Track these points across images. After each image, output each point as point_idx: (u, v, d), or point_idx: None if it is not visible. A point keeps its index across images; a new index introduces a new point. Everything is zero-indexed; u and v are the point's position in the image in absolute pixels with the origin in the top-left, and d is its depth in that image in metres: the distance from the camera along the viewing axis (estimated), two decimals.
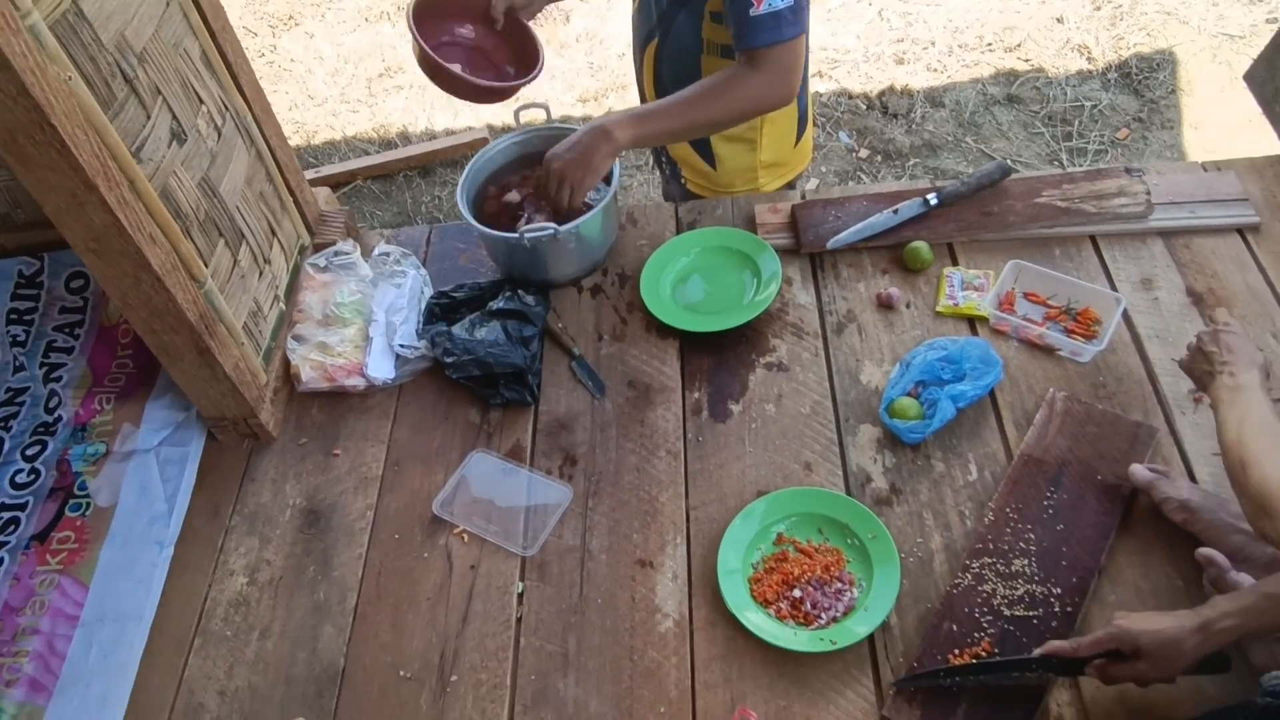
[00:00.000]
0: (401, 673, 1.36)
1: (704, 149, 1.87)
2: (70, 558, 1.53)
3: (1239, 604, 1.08)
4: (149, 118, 1.37)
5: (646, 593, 1.40)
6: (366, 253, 1.84)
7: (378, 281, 1.77)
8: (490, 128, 3.58)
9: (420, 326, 1.71)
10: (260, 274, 1.66)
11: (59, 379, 1.75)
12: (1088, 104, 3.38)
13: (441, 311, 1.72)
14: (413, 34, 1.63)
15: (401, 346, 1.68)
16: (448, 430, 1.62)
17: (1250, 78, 1.89)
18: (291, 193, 1.80)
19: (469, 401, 1.65)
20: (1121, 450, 1.45)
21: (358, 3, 4.21)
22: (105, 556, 1.52)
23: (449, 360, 1.62)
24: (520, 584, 1.43)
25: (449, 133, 3.62)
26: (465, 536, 1.49)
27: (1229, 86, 3.31)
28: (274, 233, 1.72)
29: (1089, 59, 3.51)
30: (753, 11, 1.50)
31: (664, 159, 1.99)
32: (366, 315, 1.72)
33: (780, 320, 1.69)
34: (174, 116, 1.43)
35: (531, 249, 1.65)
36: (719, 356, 1.66)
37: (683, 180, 1.94)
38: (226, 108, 1.60)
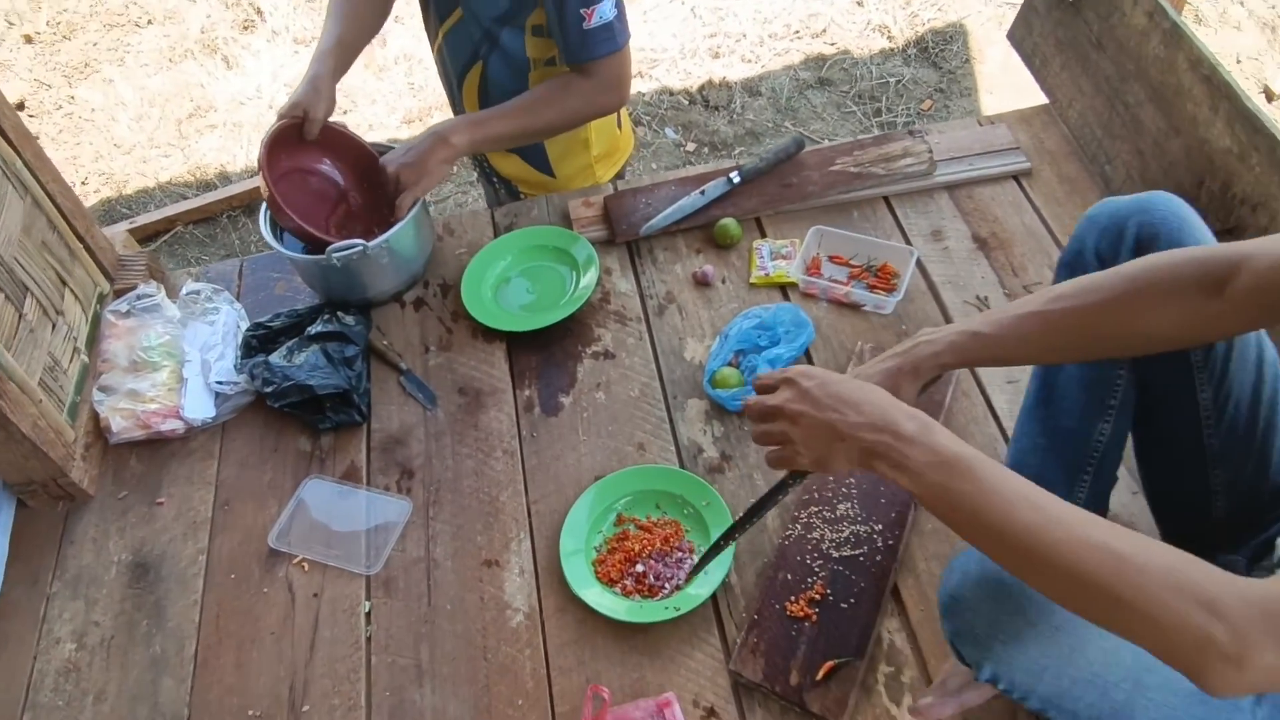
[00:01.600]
0: (251, 712, 1.32)
1: (539, 162, 1.87)
2: None
3: (941, 339, 1.05)
4: None
5: (495, 591, 1.40)
6: (174, 294, 1.77)
7: (187, 321, 1.71)
8: None
9: (238, 361, 1.67)
10: (53, 327, 1.58)
11: None
12: (892, 80, 3.55)
13: (259, 343, 1.68)
14: (262, 169, 1.58)
15: (219, 383, 1.63)
16: (278, 462, 1.59)
17: (1012, 36, 2.03)
18: (81, 239, 1.72)
19: (298, 430, 1.62)
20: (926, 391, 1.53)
21: (157, 44, 4.05)
22: None
23: (269, 390, 1.58)
24: (367, 603, 1.41)
25: None
26: (305, 565, 1.46)
27: (1013, 51, 3.54)
28: (64, 282, 1.64)
29: (889, 38, 3.70)
30: (585, 26, 1.54)
31: (495, 179, 1.98)
32: (179, 357, 1.66)
33: (603, 310, 1.72)
34: None
35: (344, 269, 1.63)
36: (546, 353, 1.67)
37: (521, 196, 1.95)
38: None
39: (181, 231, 3.37)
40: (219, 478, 1.58)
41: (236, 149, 3.59)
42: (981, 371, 1.55)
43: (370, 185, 1.74)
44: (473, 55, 1.73)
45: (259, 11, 4.11)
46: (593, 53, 1.58)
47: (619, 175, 1.98)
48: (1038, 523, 0.77)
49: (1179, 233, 1.07)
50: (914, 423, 0.86)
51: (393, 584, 1.43)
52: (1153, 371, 1.13)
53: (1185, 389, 1.10)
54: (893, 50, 3.68)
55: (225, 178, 3.51)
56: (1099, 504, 1.25)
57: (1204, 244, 1.07)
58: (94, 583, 1.48)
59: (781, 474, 1.06)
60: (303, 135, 1.64)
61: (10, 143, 1.55)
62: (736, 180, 1.80)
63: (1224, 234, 1.48)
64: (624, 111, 1.94)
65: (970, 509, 0.80)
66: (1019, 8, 2.00)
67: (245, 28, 4.08)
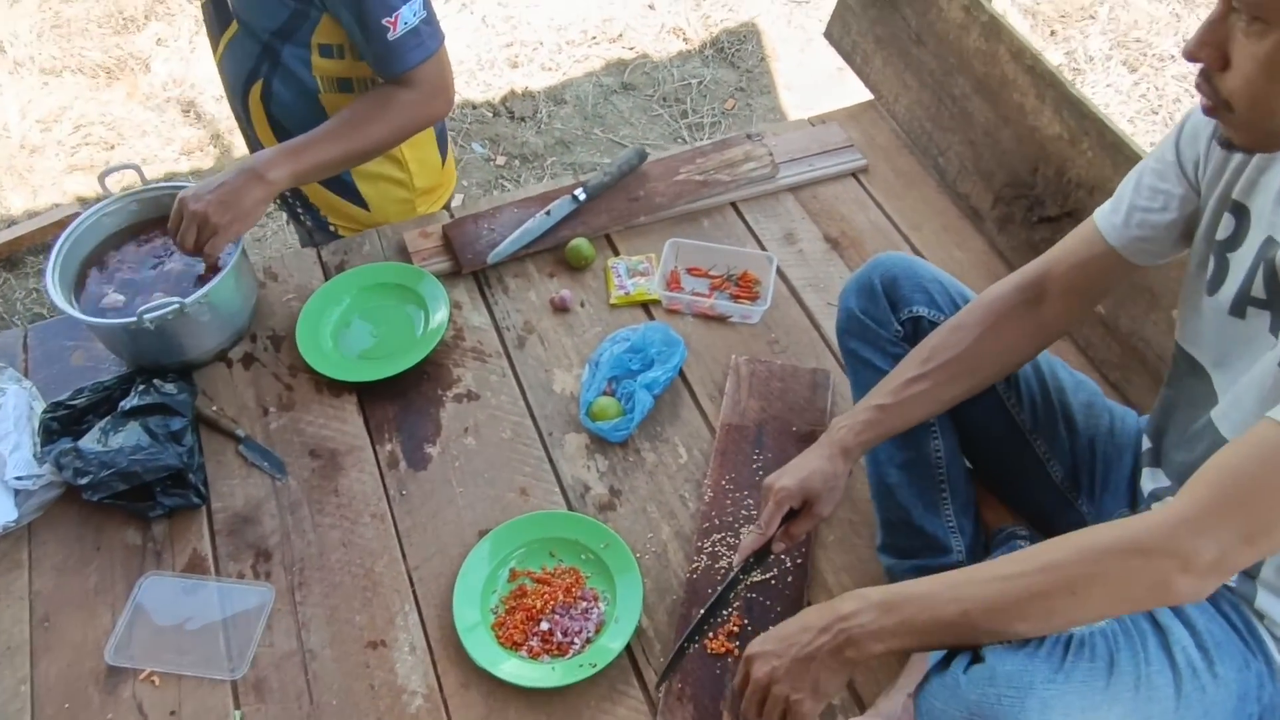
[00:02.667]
0: None
1: (350, 193, 1.72)
2: None
3: (859, 420, 1.18)
4: None
5: (386, 675, 1.27)
6: None
7: None
8: (81, 200, 3.14)
9: (38, 450, 1.43)
10: None
11: None
12: (694, 81, 3.58)
13: (61, 425, 1.44)
14: None
15: (18, 479, 1.39)
16: (104, 562, 1.37)
17: (829, 34, 2.06)
18: None
19: (123, 521, 1.41)
20: (806, 398, 1.52)
21: None
22: None
23: (84, 481, 1.36)
24: (237, 713, 1.24)
25: (31, 214, 3.12)
26: (156, 679, 1.26)
27: (806, 47, 3.65)
28: None
29: (685, 40, 3.73)
30: (390, 36, 1.42)
31: (300, 208, 1.79)
32: None
33: (458, 348, 1.60)
34: None
35: (158, 330, 1.43)
36: (404, 401, 1.54)
37: (331, 228, 1.78)
38: None
39: None
40: (32, 590, 1.35)
41: None
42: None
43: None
44: (250, 74, 1.56)
45: None
46: (406, 62, 1.47)
47: (445, 208, 1.86)
48: (978, 591, 0.89)
49: (909, 271, 1.27)
50: (847, 600, 0.95)
51: (264, 685, 1.26)
52: None
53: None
54: (690, 52, 3.71)
55: None
56: (968, 516, 1.29)
57: (930, 275, 1.28)
58: None
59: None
60: None
61: None
62: (582, 198, 1.73)
63: (1063, 217, 1.55)
64: (450, 144, 1.82)
65: (928, 620, 0.90)
66: (835, 6, 2.03)
67: None
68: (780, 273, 1.68)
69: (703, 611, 1.20)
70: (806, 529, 1.19)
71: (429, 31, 1.47)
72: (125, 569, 1.36)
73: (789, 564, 1.34)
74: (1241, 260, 0.97)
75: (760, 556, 1.20)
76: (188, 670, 1.27)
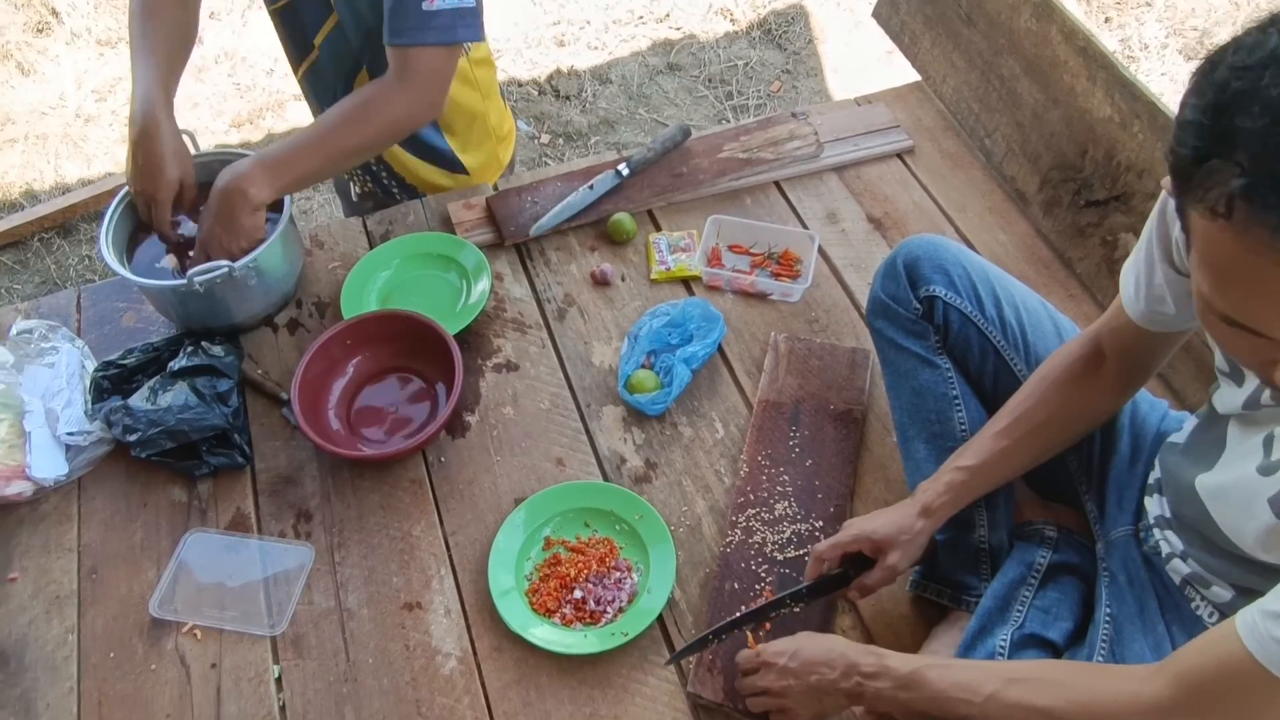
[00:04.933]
0: None
1: (447, 163, 1.71)
2: None
3: (942, 482, 1.18)
4: None
5: (421, 637, 1.29)
6: (1, 335, 1.55)
7: (23, 365, 1.49)
8: None
9: (88, 407, 1.46)
10: None
11: None
12: (740, 63, 3.56)
13: (112, 384, 1.48)
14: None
15: (70, 435, 1.43)
16: (150, 518, 1.40)
17: (877, 15, 2.04)
18: None
19: (169, 479, 1.44)
20: (844, 377, 1.51)
21: None
22: None
23: (133, 438, 1.39)
24: (276, 668, 1.27)
25: (84, 183, 3.19)
26: (198, 633, 1.30)
27: (855, 29, 3.61)
28: None
29: (732, 21, 3.70)
30: (425, 5, 1.33)
31: (395, 189, 1.78)
32: (17, 408, 1.44)
33: (499, 319, 1.61)
34: None
35: (207, 294, 1.46)
36: None
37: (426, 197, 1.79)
38: None
39: None
40: (81, 543, 1.38)
41: (44, 164, 3.24)
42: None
43: None
44: (356, 62, 1.57)
45: (54, 12, 3.71)
46: (421, 37, 1.36)
47: (511, 163, 1.87)
48: (978, 710, 0.96)
49: (932, 252, 1.29)
50: (870, 658, 1.04)
51: (303, 642, 1.29)
52: (967, 360, 1.29)
53: (988, 347, 1.27)
54: (737, 33, 3.69)
55: (32, 197, 3.16)
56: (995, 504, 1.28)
57: (953, 258, 1.28)
58: None
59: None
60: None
61: None
62: (625, 173, 1.73)
63: (1111, 201, 1.52)
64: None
65: (937, 711, 1.00)
66: None
67: (40, 30, 3.68)
68: (822, 252, 1.67)
69: (742, 613, 1.21)
70: (879, 580, 1.18)
71: (464, 24, 1.38)
72: (170, 525, 1.40)
73: (822, 540, 1.33)
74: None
75: (823, 589, 1.21)
76: (229, 625, 1.30)
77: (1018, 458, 1.17)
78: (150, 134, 1.43)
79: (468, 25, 1.39)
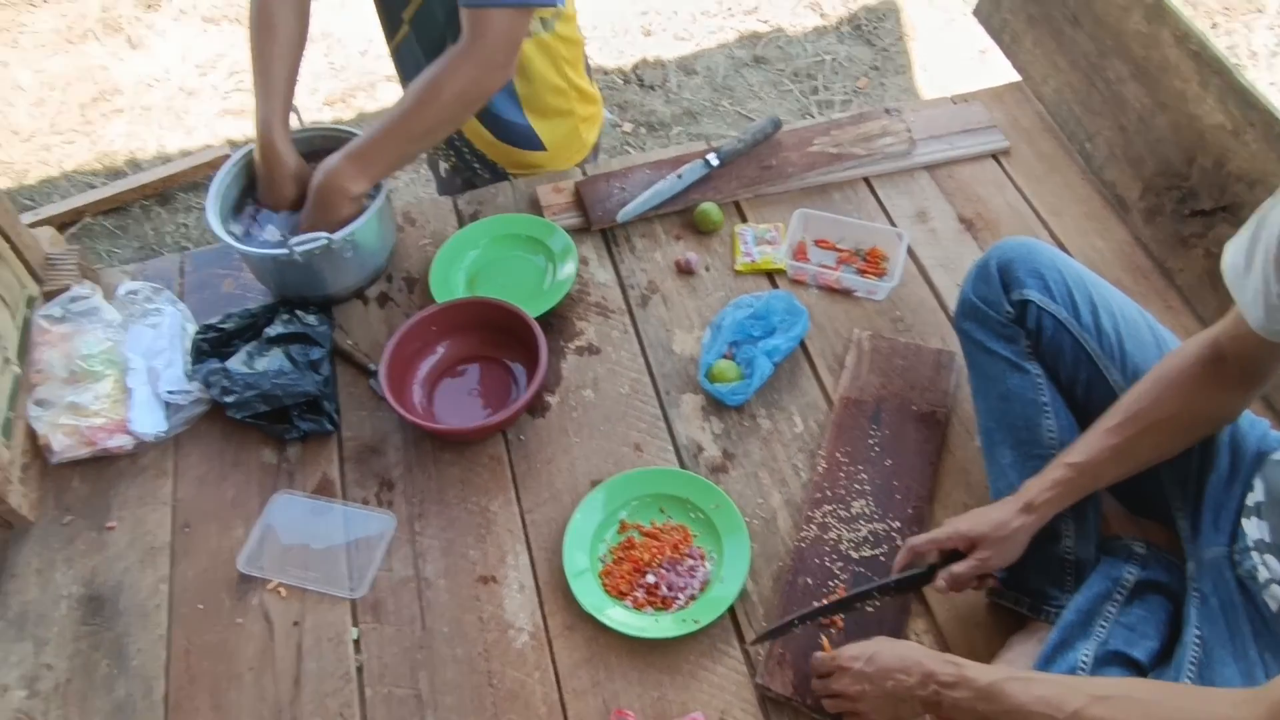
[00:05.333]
0: None
1: (527, 140, 1.73)
2: None
3: (1049, 479, 1.15)
4: None
5: (495, 610, 1.31)
6: (109, 294, 1.61)
7: (128, 325, 1.55)
8: (231, 143, 3.30)
9: (188, 367, 1.52)
10: None
11: None
12: (827, 58, 3.52)
13: (211, 347, 1.53)
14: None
15: (170, 393, 1.49)
16: (241, 477, 1.45)
17: (978, 13, 2.00)
18: (6, 238, 1.55)
19: (260, 441, 1.49)
20: (929, 378, 1.49)
21: (54, 23, 3.75)
22: None
23: (229, 400, 1.44)
24: (355, 630, 1.30)
25: (184, 154, 3.30)
26: (282, 590, 1.34)
27: (947, 27, 3.55)
28: None
29: (821, 15, 3.67)
30: None
31: (477, 164, 1.81)
32: (121, 365, 1.50)
33: (583, 302, 1.63)
34: None
35: (305, 264, 1.50)
36: None
37: (513, 178, 1.82)
38: None
39: (90, 223, 3.13)
40: (175, 497, 1.44)
41: (147, 134, 3.35)
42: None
43: None
44: (442, 37, 1.60)
45: None
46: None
47: (596, 147, 1.88)
48: None
49: (1027, 255, 1.27)
50: (949, 667, 1.03)
51: (381, 607, 1.32)
52: (1059, 367, 1.27)
53: (1081, 354, 1.25)
54: (826, 28, 3.65)
55: (136, 165, 3.28)
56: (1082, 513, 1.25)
57: (1048, 261, 1.27)
58: (42, 620, 1.33)
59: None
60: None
61: None
62: (714, 163, 1.73)
63: (1218, 211, 1.48)
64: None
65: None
66: None
67: (149, 6, 3.81)
68: (910, 251, 1.66)
69: (827, 603, 1.22)
70: (969, 573, 1.16)
71: None
72: (260, 485, 1.44)
73: (899, 542, 1.32)
74: None
75: (910, 583, 1.20)
76: (311, 585, 1.34)
77: (1129, 458, 1.14)
78: (269, 157, 1.53)
79: None
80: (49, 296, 1.60)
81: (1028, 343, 1.28)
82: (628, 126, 3.38)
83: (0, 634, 1.32)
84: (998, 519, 1.14)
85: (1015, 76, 1.94)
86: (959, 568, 1.16)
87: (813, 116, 3.32)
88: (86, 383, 1.48)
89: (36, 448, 1.46)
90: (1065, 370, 1.27)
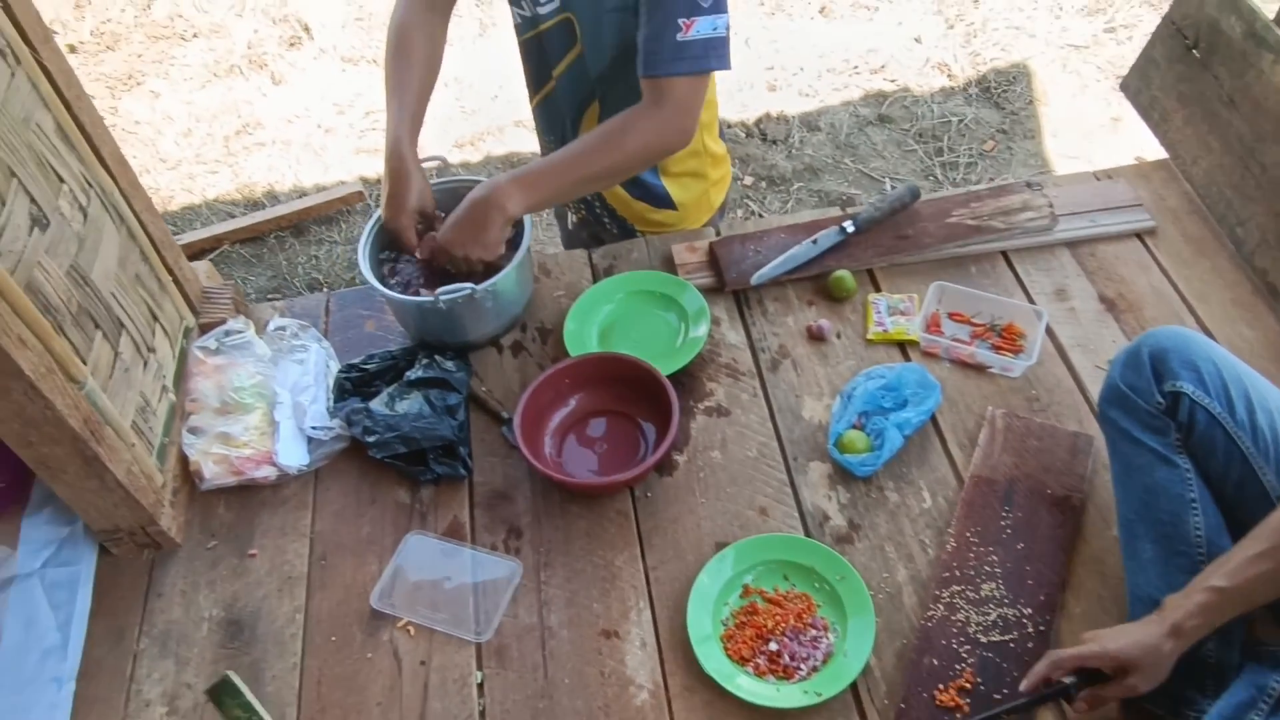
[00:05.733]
0: None
1: (659, 200, 1.78)
2: None
3: (1194, 602, 1.11)
4: (3, 204, 1.21)
5: (616, 665, 1.32)
6: (259, 329, 1.70)
7: (277, 360, 1.63)
8: (364, 180, 3.44)
9: (330, 404, 1.59)
10: (145, 364, 1.50)
11: None
12: (954, 119, 3.50)
13: (353, 386, 1.60)
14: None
15: (314, 429, 1.55)
16: (376, 515, 1.50)
17: (1126, 87, 1.97)
18: (170, 270, 1.65)
19: (395, 481, 1.54)
20: (1065, 461, 1.46)
21: (204, 58, 3.99)
22: None
23: (371, 439, 1.50)
24: (479, 673, 1.33)
25: (320, 189, 3.46)
26: (411, 629, 1.38)
27: (1080, 94, 3.49)
28: (155, 317, 1.57)
29: (950, 76, 3.65)
30: (680, 36, 1.39)
31: (606, 219, 1.86)
32: (270, 398, 1.58)
33: (713, 362, 1.64)
34: (32, 200, 1.28)
35: (447, 311, 1.55)
36: None
37: (639, 234, 1.86)
38: (90, 184, 1.44)
39: (228, 250, 3.30)
40: (314, 530, 1.50)
41: (285, 168, 3.53)
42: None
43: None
44: (587, 94, 1.65)
45: (306, 28, 4.06)
46: (676, 67, 1.41)
47: (723, 206, 1.91)
48: None
49: (1182, 346, 1.25)
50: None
51: (505, 653, 1.34)
52: (1209, 463, 1.23)
53: (1234, 452, 1.21)
54: (954, 89, 3.63)
55: (273, 197, 3.45)
56: None
57: (1204, 353, 1.23)
58: (184, 640, 1.39)
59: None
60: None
61: (108, 170, 1.48)
62: (850, 230, 1.73)
63: None
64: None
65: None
66: (1136, 58, 1.94)
67: (291, 44, 4.03)
68: (1048, 329, 1.62)
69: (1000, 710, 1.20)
70: (1115, 695, 1.13)
71: (715, 54, 1.44)
72: (394, 524, 1.49)
73: (1030, 629, 1.29)
74: None
75: (1048, 697, 1.17)
76: (439, 626, 1.37)
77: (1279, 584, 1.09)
78: (396, 174, 1.57)
79: (719, 55, 1.45)
80: (204, 329, 1.69)
81: (1178, 435, 1.24)
82: (748, 180, 3.41)
83: (145, 651, 1.39)
84: (1148, 644, 1.10)
85: (1159, 152, 1.89)
86: (1106, 692, 1.13)
87: (936, 178, 3.29)
88: (237, 414, 1.55)
89: (186, 473, 1.54)
90: (1216, 467, 1.23)
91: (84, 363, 1.31)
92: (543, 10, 1.57)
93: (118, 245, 1.48)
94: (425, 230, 1.63)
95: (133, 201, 1.54)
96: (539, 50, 1.65)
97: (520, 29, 1.65)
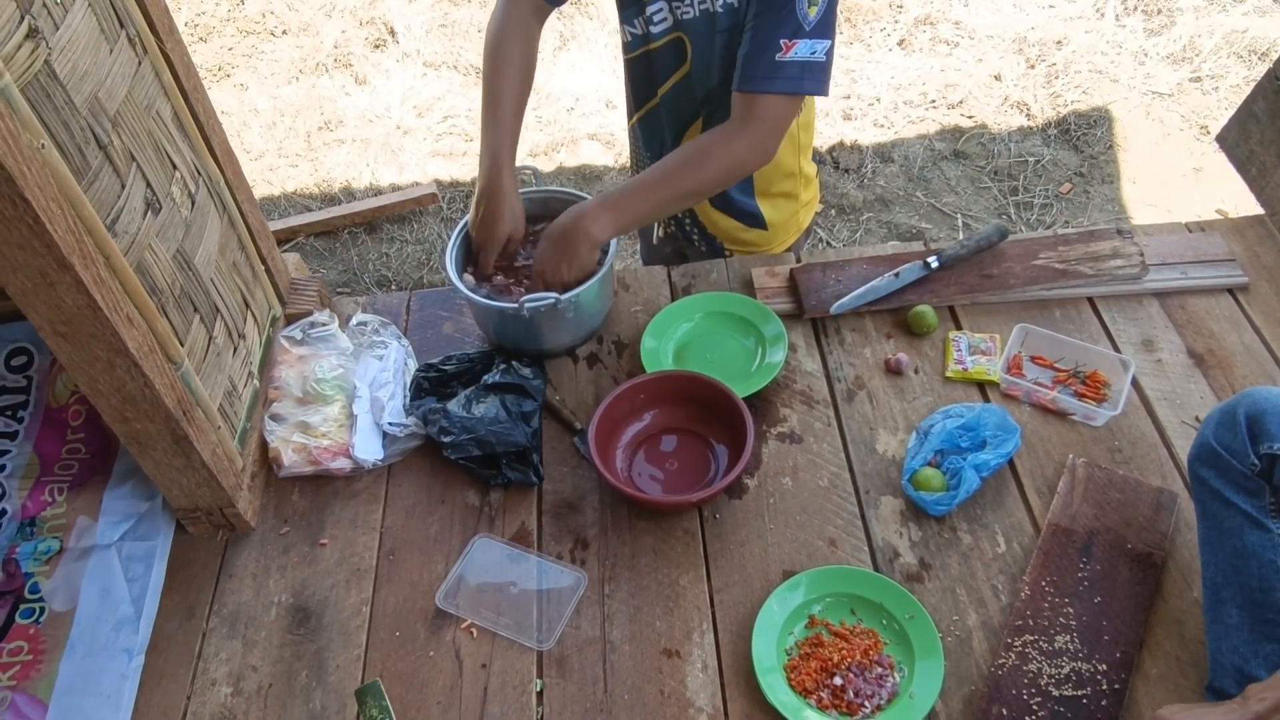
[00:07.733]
0: None
1: (752, 219, 1.79)
2: (24, 671, 1.37)
3: (1275, 691, 1.07)
4: (123, 187, 1.25)
5: (676, 685, 1.32)
6: (343, 322, 1.73)
7: (358, 354, 1.66)
8: (438, 182, 3.49)
9: (408, 402, 1.61)
10: (234, 350, 1.53)
11: (1, 468, 1.58)
12: (1031, 159, 3.46)
13: (430, 385, 1.62)
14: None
15: (390, 425, 1.57)
16: (446, 514, 1.52)
17: (1223, 140, 1.94)
18: (263, 260, 1.68)
19: (466, 482, 1.55)
20: (1147, 516, 1.43)
21: (292, 54, 4.09)
22: (65, 669, 1.36)
23: (446, 440, 1.51)
24: (539, 681, 1.33)
25: (395, 188, 3.51)
26: (474, 631, 1.38)
27: (1162, 141, 3.43)
28: (248, 305, 1.60)
29: (1028, 116, 3.61)
30: (779, 55, 1.40)
31: (696, 236, 1.87)
32: (349, 391, 1.60)
33: (788, 389, 1.64)
34: (148, 184, 1.32)
35: (529, 319, 1.57)
36: None
37: (727, 253, 1.87)
38: (199, 173, 1.48)
39: (302, 243, 3.36)
40: (384, 524, 1.51)
41: (363, 166, 3.59)
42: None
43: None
44: (693, 112, 1.66)
45: (391, 32, 4.13)
46: (772, 85, 1.42)
47: (808, 229, 1.91)
48: None
49: None
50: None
51: (566, 663, 1.35)
52: None
53: None
54: (1032, 129, 3.59)
55: (350, 193, 3.51)
56: None
57: None
58: (252, 623, 1.41)
59: None
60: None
61: (217, 160, 1.52)
62: (934, 265, 1.72)
63: None
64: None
65: None
66: (1235, 111, 1.90)
67: (377, 46, 4.11)
68: (1134, 380, 1.59)
69: None
70: None
71: (811, 77, 1.44)
72: (462, 525, 1.50)
73: (1104, 686, 1.26)
74: None
75: None
76: (502, 631, 1.38)
77: None
78: (492, 193, 1.59)
79: (814, 79, 1.45)
80: (290, 319, 1.73)
81: (1272, 499, 1.21)
82: (818, 207, 3.41)
83: (214, 630, 1.41)
84: None
85: (1243, 204, 1.86)
86: None
87: (1010, 217, 3.26)
88: (317, 404, 1.58)
89: (265, 459, 1.56)
90: None
91: (182, 344, 1.35)
92: (655, 29, 1.59)
93: (219, 233, 1.51)
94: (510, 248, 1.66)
95: (236, 192, 1.58)
96: (647, 68, 1.66)
97: (629, 46, 1.66)
